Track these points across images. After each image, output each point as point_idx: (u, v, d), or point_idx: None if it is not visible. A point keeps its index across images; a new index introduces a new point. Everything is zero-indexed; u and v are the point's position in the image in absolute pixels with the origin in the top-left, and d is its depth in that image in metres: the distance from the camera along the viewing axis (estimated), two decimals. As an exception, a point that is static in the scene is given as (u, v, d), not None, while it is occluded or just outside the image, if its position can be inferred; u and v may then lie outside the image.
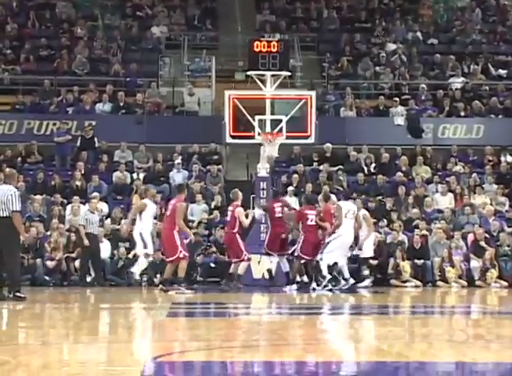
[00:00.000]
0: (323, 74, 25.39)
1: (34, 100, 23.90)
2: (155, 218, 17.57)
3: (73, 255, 18.41)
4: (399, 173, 21.80)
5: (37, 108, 23.70)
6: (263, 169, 18.93)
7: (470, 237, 19.34)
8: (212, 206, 20.54)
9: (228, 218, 17.29)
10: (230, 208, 17.18)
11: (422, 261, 18.89)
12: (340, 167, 22.02)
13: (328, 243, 16.52)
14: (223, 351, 7.42)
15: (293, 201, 19.23)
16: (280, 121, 18.62)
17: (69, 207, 19.81)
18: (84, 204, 19.33)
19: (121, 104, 23.74)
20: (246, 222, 16.95)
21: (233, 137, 18.85)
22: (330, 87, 25.08)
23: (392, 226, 19.47)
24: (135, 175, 21.71)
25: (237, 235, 16.78)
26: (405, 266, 18.56)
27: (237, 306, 13.68)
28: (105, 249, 18.61)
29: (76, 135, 22.65)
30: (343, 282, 16.62)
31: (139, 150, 22.54)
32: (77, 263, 18.26)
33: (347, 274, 16.64)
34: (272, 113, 18.86)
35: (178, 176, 21.48)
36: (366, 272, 18.04)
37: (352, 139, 23.17)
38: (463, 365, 6.73)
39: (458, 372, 6.63)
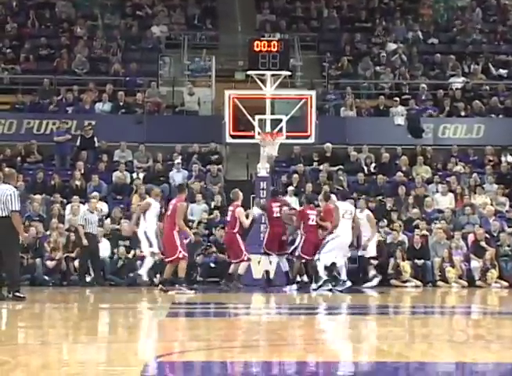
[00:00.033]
0: (323, 73, 25.37)
1: (33, 100, 23.88)
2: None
3: (73, 255, 18.39)
4: (399, 173, 21.78)
5: (36, 107, 23.68)
6: (263, 169, 18.92)
7: (471, 237, 19.33)
8: (212, 206, 20.52)
9: (228, 218, 17.27)
10: (230, 208, 17.16)
11: (422, 261, 18.87)
12: (341, 167, 22.01)
13: (326, 243, 16.50)
14: (223, 351, 7.41)
15: (293, 201, 19.20)
16: (280, 120, 18.61)
17: (68, 206, 19.79)
18: (83, 203, 19.30)
19: (121, 104, 23.72)
20: (247, 222, 16.93)
21: (233, 137, 18.84)
22: (330, 87, 25.06)
23: (392, 226, 19.45)
24: (134, 175, 21.69)
25: (237, 235, 16.75)
26: (406, 266, 18.54)
27: (237, 306, 13.66)
28: (104, 249, 18.59)
29: (76, 134, 22.64)
30: (340, 283, 16.57)
31: (139, 149, 22.52)
32: (76, 263, 18.24)
33: (344, 276, 16.60)
34: (272, 113, 18.85)
35: (177, 176, 21.46)
36: (373, 272, 18.06)
37: (352, 138, 23.16)
38: (464, 365, 6.73)
39: (458, 372, 6.62)
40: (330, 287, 16.50)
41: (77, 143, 22.44)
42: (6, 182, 13.24)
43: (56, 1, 27.47)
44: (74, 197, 19.83)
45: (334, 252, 16.43)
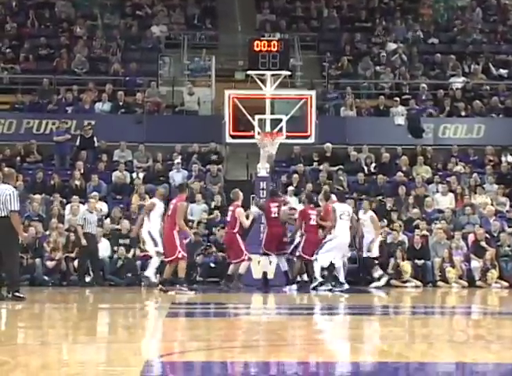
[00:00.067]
0: (323, 73, 25.36)
1: (33, 99, 23.86)
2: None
3: (73, 255, 18.37)
4: (400, 173, 21.76)
5: (36, 107, 23.67)
6: (263, 169, 18.90)
7: (471, 237, 19.31)
8: (212, 206, 20.50)
9: (228, 218, 17.25)
10: (231, 208, 17.14)
11: (422, 261, 18.85)
12: (341, 167, 21.99)
13: (324, 244, 16.48)
14: (223, 351, 7.40)
15: (293, 201, 19.18)
16: (280, 120, 18.59)
17: (68, 206, 19.77)
18: (83, 203, 19.28)
19: (121, 103, 23.70)
20: (247, 222, 16.91)
21: (233, 137, 18.82)
22: (330, 86, 25.05)
23: (392, 226, 19.43)
24: (134, 175, 21.67)
25: (237, 235, 16.74)
26: (406, 266, 18.52)
27: (237, 306, 13.65)
28: (104, 249, 18.58)
29: (75, 134, 22.61)
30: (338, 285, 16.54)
31: (139, 149, 22.50)
32: (76, 263, 18.22)
33: (342, 278, 16.57)
34: (272, 113, 18.84)
35: (177, 176, 21.44)
36: (380, 271, 18.08)
37: (352, 138, 23.14)
38: (464, 366, 6.71)
39: (458, 373, 6.61)
40: (330, 287, 16.49)
41: (77, 143, 22.42)
42: (6, 182, 13.22)
43: (56, 0, 27.45)
44: (74, 196, 19.80)
45: (332, 253, 16.40)
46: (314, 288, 16.29)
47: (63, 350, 7.57)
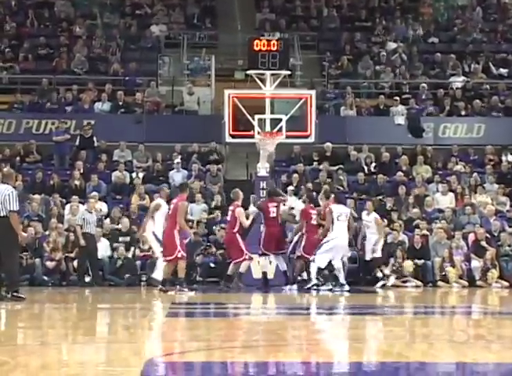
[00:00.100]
0: (323, 72, 25.35)
1: (32, 99, 23.86)
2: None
3: (72, 255, 18.35)
4: (400, 172, 21.75)
5: (35, 107, 23.65)
6: (263, 168, 18.88)
7: (471, 237, 19.29)
8: (212, 206, 20.48)
9: (228, 218, 17.23)
10: (231, 208, 17.14)
11: (422, 261, 18.84)
12: (341, 166, 21.98)
13: (321, 245, 16.46)
14: (223, 351, 7.38)
15: (292, 201, 19.15)
16: (280, 120, 18.56)
17: (68, 206, 19.75)
18: (83, 203, 19.26)
19: (120, 103, 23.69)
20: (247, 222, 16.90)
21: (233, 136, 18.80)
22: (330, 86, 25.04)
23: (393, 226, 19.41)
24: (134, 175, 21.65)
25: (237, 235, 16.73)
26: (408, 265, 18.47)
27: (237, 306, 13.63)
28: (103, 249, 18.56)
29: (75, 134, 22.60)
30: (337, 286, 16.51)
31: (138, 149, 22.48)
32: (75, 263, 18.21)
33: (342, 279, 16.54)
34: (272, 113, 18.82)
35: (177, 176, 21.42)
36: (387, 271, 18.06)
37: (352, 138, 23.12)
38: (464, 365, 6.70)
39: (459, 373, 6.60)
40: (331, 287, 16.47)
41: (77, 143, 22.40)
42: (5, 182, 13.20)
43: (55, 0, 27.43)
44: (73, 196, 19.79)
45: (330, 254, 16.37)
46: (308, 289, 16.26)
47: (62, 350, 7.56)
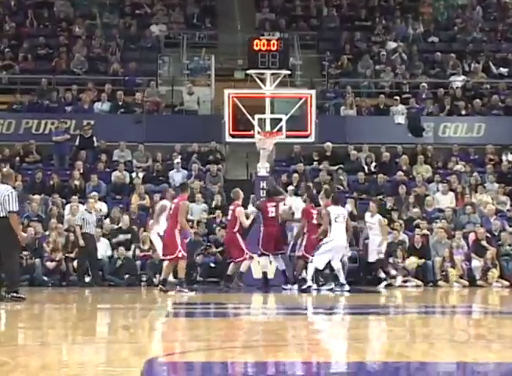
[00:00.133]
0: (323, 72, 25.34)
1: (32, 99, 23.84)
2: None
3: (72, 255, 18.34)
4: (400, 172, 21.74)
5: (35, 107, 23.64)
6: (263, 168, 18.86)
7: (472, 237, 19.27)
8: (212, 205, 20.46)
9: (229, 217, 17.22)
10: (231, 207, 17.13)
11: (423, 260, 18.81)
12: (341, 166, 21.97)
13: (320, 246, 16.44)
14: (223, 351, 7.36)
15: (293, 200, 19.12)
16: (280, 119, 18.55)
17: (67, 206, 19.74)
18: (83, 203, 19.24)
19: (120, 103, 23.67)
20: (247, 222, 16.89)
21: (233, 136, 18.79)
22: (330, 85, 25.03)
23: (393, 226, 19.38)
24: (134, 175, 21.64)
25: (237, 234, 16.71)
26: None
27: (237, 306, 13.61)
28: (103, 249, 18.54)
29: (74, 134, 22.59)
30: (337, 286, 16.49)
31: (138, 149, 22.47)
32: (75, 263, 18.19)
33: (343, 279, 16.53)
34: (272, 112, 18.80)
35: (177, 176, 21.40)
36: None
37: (353, 137, 23.11)
38: (465, 365, 6.69)
39: (459, 372, 6.59)
40: (331, 286, 16.46)
41: (76, 143, 22.39)
42: (4, 183, 13.18)
43: (55, 0, 27.42)
44: (73, 196, 19.78)
45: (328, 255, 16.35)
46: (304, 290, 16.23)
47: (62, 351, 7.54)
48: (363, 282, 18.36)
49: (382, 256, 17.98)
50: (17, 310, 11.87)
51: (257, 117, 18.55)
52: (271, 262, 17.54)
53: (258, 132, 18.50)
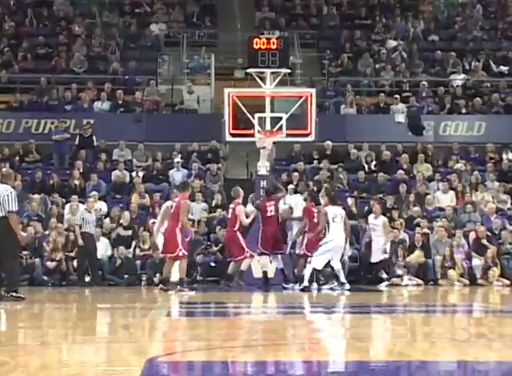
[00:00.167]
0: (323, 71, 25.33)
1: (31, 99, 23.83)
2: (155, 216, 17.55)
3: (72, 255, 18.32)
4: (400, 171, 21.72)
5: (34, 106, 23.62)
6: (263, 167, 18.84)
7: (472, 235, 19.26)
8: (212, 205, 20.45)
9: (229, 216, 17.20)
10: (231, 206, 17.11)
11: (423, 259, 18.79)
12: (341, 164, 21.94)
13: (319, 247, 16.42)
14: (224, 351, 7.35)
15: (293, 198, 19.10)
16: (280, 118, 18.53)
17: (67, 206, 19.72)
18: (83, 203, 19.23)
19: (120, 102, 23.65)
20: (247, 221, 16.87)
21: (233, 135, 18.76)
22: (330, 84, 25.01)
23: (393, 224, 19.36)
24: (134, 174, 21.62)
25: (238, 233, 16.70)
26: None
27: (238, 306, 13.60)
28: (103, 248, 18.52)
29: (74, 133, 22.57)
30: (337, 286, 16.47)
31: (138, 148, 22.45)
32: (75, 263, 18.18)
33: (343, 278, 16.51)
34: (272, 111, 18.77)
35: (177, 175, 21.39)
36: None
37: (353, 136, 23.09)
38: (465, 364, 6.67)
39: (460, 371, 6.57)
40: (332, 285, 16.44)
41: (76, 142, 22.38)
42: (4, 182, 13.16)
43: (54, -1, 27.41)
44: (73, 196, 19.76)
45: (327, 255, 16.33)
46: (302, 290, 16.21)
47: (62, 350, 7.53)
48: (363, 281, 18.34)
49: (387, 256, 17.97)
50: (17, 310, 11.85)
51: (257, 115, 18.52)
52: (271, 261, 17.52)
53: (258, 131, 18.47)
